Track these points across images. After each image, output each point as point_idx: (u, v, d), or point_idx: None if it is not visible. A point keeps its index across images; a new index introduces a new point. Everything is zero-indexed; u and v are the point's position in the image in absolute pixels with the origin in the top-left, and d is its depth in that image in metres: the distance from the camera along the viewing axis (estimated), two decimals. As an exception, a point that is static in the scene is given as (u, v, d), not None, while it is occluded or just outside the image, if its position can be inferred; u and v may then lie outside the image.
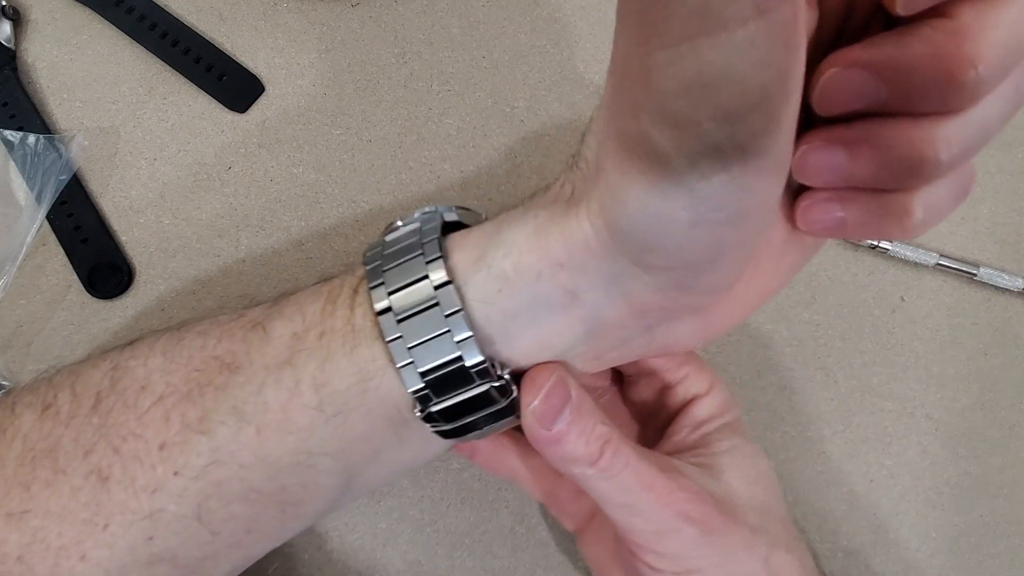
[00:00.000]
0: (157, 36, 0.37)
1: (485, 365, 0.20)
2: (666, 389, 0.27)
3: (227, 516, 0.21)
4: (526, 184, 0.36)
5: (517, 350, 0.20)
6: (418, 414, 0.21)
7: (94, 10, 0.37)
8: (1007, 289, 0.35)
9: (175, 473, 0.20)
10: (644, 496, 0.22)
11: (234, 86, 0.37)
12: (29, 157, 0.34)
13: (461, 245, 0.21)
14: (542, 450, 0.22)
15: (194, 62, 0.37)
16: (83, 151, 0.35)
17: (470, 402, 0.20)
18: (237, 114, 0.36)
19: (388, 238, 0.22)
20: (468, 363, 0.20)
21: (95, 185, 0.35)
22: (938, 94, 0.15)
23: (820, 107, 0.16)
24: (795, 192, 0.19)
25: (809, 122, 0.17)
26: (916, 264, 0.35)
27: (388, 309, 0.20)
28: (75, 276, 0.34)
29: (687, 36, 0.13)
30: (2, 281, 0.33)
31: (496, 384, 0.20)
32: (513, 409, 0.21)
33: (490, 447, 0.28)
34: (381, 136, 0.36)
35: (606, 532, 0.27)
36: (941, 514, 0.33)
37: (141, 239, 0.34)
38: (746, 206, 0.16)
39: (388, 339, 0.20)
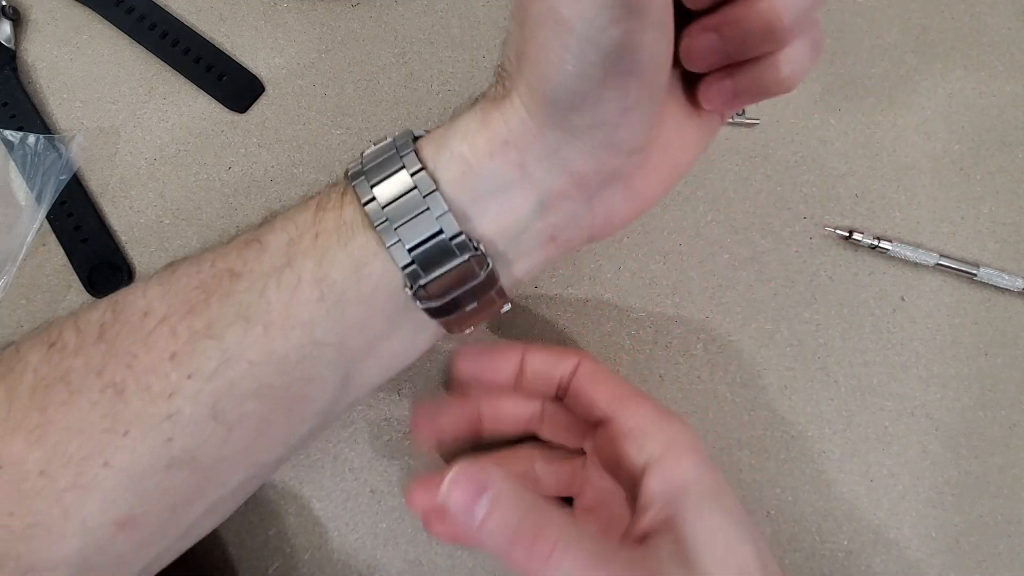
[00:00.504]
0: (157, 36, 0.37)
1: (463, 237, 0.22)
2: (617, 441, 0.26)
3: (240, 414, 0.22)
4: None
5: (486, 224, 0.23)
6: (408, 292, 0.23)
7: (94, 10, 0.37)
8: (1007, 289, 0.35)
9: (188, 377, 0.22)
10: None
11: (234, 86, 0.37)
12: (29, 157, 0.34)
13: (426, 141, 0.24)
14: (474, 541, 0.22)
15: (194, 62, 0.37)
16: (83, 151, 0.35)
17: (453, 274, 0.23)
18: (237, 114, 0.36)
19: (365, 152, 0.24)
20: (448, 235, 0.22)
21: (95, 185, 0.35)
22: None
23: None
24: (691, 85, 0.23)
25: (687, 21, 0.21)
26: (916, 264, 0.35)
27: (373, 199, 0.23)
28: (75, 276, 0.34)
29: None
30: (2, 281, 0.33)
31: (475, 255, 0.23)
32: (492, 283, 0.24)
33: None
34: (381, 136, 0.36)
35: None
36: (941, 514, 0.33)
37: (141, 239, 0.34)
38: (640, 58, 0.19)
39: (376, 224, 0.22)
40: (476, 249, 0.23)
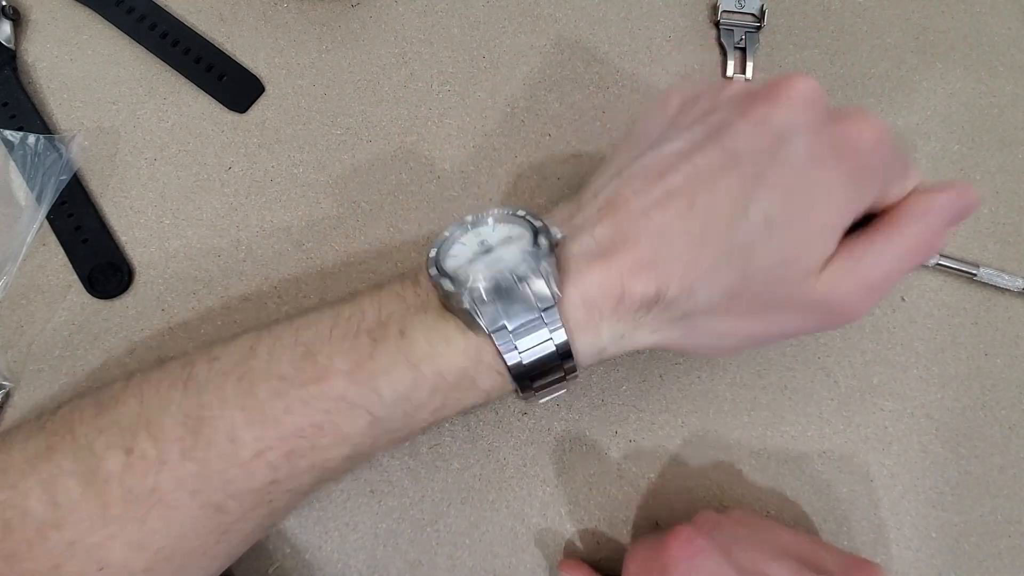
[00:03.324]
0: (157, 36, 0.37)
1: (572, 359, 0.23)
2: None
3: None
4: (526, 184, 0.36)
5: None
6: (519, 395, 0.24)
7: (94, 10, 0.37)
8: (1007, 289, 0.35)
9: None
10: None
11: (234, 86, 0.37)
12: (29, 157, 0.34)
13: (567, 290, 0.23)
14: None
15: (194, 62, 0.37)
16: (83, 151, 0.35)
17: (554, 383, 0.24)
18: (237, 114, 0.36)
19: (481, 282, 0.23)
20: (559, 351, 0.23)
21: (95, 185, 0.35)
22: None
23: None
24: None
25: None
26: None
27: (520, 363, 0.23)
28: (75, 276, 0.34)
29: None
30: (2, 281, 0.33)
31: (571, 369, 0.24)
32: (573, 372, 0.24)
33: None
34: (381, 136, 0.36)
35: None
36: (941, 514, 0.33)
37: (141, 239, 0.34)
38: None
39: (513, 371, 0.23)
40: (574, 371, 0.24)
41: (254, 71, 0.37)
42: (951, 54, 0.40)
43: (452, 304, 0.22)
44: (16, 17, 0.37)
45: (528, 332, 0.22)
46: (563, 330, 0.22)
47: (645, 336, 0.24)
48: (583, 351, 0.24)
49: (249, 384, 0.23)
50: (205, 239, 0.35)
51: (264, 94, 0.37)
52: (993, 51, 0.40)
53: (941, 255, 0.35)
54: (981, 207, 0.37)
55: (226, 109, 0.36)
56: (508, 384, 0.24)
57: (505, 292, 0.22)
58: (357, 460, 0.24)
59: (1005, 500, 0.33)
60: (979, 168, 0.38)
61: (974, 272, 0.35)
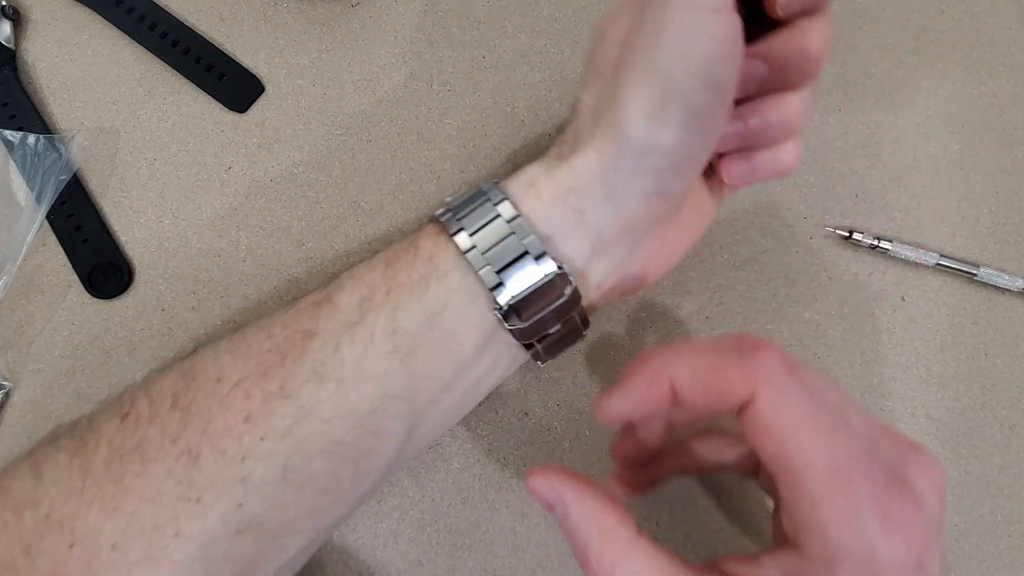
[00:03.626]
0: (157, 36, 0.37)
1: (547, 256, 0.24)
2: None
3: (310, 473, 0.23)
4: (526, 184, 0.36)
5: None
6: (498, 314, 0.24)
7: (94, 10, 0.37)
8: (1007, 289, 0.35)
9: (261, 438, 0.22)
10: None
11: (234, 86, 0.37)
12: (29, 157, 0.34)
13: (510, 187, 0.25)
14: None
15: (194, 62, 0.37)
16: (83, 151, 0.35)
17: (541, 290, 0.24)
18: (237, 114, 0.36)
19: (449, 202, 0.26)
20: (533, 253, 0.24)
21: (95, 185, 0.35)
22: (800, 74, 0.25)
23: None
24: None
25: None
26: (916, 264, 0.35)
27: (472, 245, 0.24)
28: (75, 276, 0.34)
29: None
30: (2, 281, 0.33)
31: (559, 272, 0.24)
32: (575, 302, 0.25)
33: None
34: (381, 136, 0.36)
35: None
36: (941, 514, 0.33)
37: (141, 239, 0.34)
38: (714, 123, 0.24)
39: (476, 266, 0.24)
40: (560, 268, 0.24)
41: (254, 71, 0.37)
42: (951, 54, 0.40)
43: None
44: (16, 17, 0.37)
45: (478, 214, 0.24)
46: (508, 203, 0.24)
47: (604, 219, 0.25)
48: (567, 252, 0.24)
49: (240, 334, 0.25)
50: (205, 239, 0.35)
51: (264, 94, 0.37)
52: (993, 51, 0.40)
53: (941, 255, 0.35)
54: (981, 207, 0.37)
55: (226, 109, 0.36)
56: (477, 315, 0.24)
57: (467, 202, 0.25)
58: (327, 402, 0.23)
59: (1005, 500, 0.33)
60: (979, 168, 0.38)
61: (974, 272, 0.35)
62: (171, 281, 0.34)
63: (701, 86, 0.22)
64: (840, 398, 0.22)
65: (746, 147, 0.27)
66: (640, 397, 0.23)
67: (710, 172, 0.29)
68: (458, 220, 0.24)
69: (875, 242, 0.35)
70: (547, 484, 0.23)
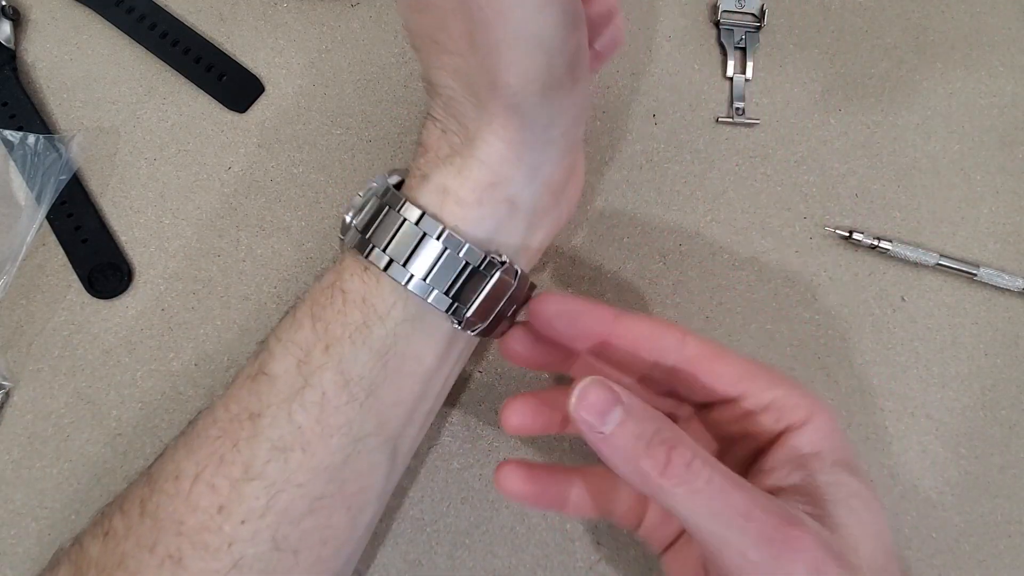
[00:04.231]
0: (157, 36, 0.37)
1: (488, 257, 0.23)
2: (749, 416, 0.24)
3: (302, 534, 0.23)
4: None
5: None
6: (458, 327, 0.24)
7: (94, 10, 0.37)
8: (1007, 289, 0.35)
9: (242, 522, 0.22)
10: (740, 526, 0.19)
11: (234, 86, 0.37)
12: (29, 157, 0.34)
13: (417, 194, 0.24)
14: (602, 455, 0.21)
15: (194, 62, 0.37)
16: (83, 151, 0.35)
17: (492, 292, 0.24)
18: (237, 114, 0.36)
19: (348, 229, 0.25)
20: (475, 264, 0.23)
21: (95, 185, 0.35)
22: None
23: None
24: None
25: None
26: (916, 264, 0.35)
27: (391, 262, 0.23)
28: (75, 276, 0.34)
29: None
30: (2, 281, 0.33)
31: (503, 267, 0.24)
32: (524, 284, 0.25)
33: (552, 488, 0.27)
34: (381, 136, 0.36)
35: (692, 552, 0.25)
36: (941, 514, 0.33)
37: (141, 239, 0.34)
38: (585, 58, 0.23)
39: (407, 285, 0.23)
40: (503, 260, 0.24)
41: (254, 71, 0.37)
42: (951, 54, 0.40)
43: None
44: (16, 17, 0.37)
45: (402, 239, 0.23)
46: (429, 218, 0.23)
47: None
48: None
49: (191, 425, 0.24)
50: (205, 239, 0.35)
51: (264, 94, 0.37)
52: (993, 51, 0.40)
53: (941, 255, 0.35)
54: (981, 207, 0.37)
55: (226, 109, 0.36)
56: (428, 342, 0.24)
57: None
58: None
59: (1005, 500, 0.33)
60: (979, 168, 0.38)
61: (974, 272, 0.35)
62: (171, 281, 0.34)
63: (569, 28, 0.21)
64: None
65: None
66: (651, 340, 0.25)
67: None
68: (384, 251, 0.23)
69: (875, 242, 0.35)
70: (604, 387, 0.21)
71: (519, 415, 0.26)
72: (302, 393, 0.23)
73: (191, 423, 0.25)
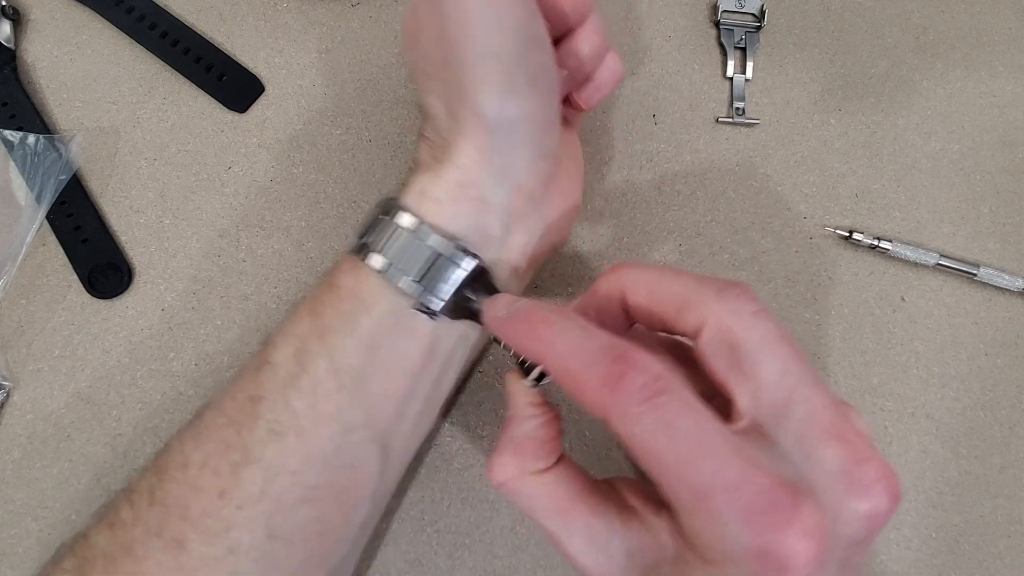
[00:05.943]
0: (157, 36, 0.37)
1: (458, 246, 0.25)
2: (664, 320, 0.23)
3: (295, 525, 0.24)
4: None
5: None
6: (434, 319, 0.25)
7: (94, 10, 0.37)
8: (1007, 289, 0.35)
9: (238, 507, 0.23)
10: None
11: (234, 86, 0.37)
12: (29, 157, 0.34)
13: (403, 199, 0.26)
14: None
15: (194, 62, 0.37)
16: (83, 151, 0.35)
17: (467, 283, 0.26)
18: (237, 114, 0.36)
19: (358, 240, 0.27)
20: (444, 251, 0.25)
21: (95, 185, 0.35)
22: (577, 11, 0.27)
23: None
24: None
25: None
26: (916, 264, 0.35)
27: (371, 254, 0.25)
28: (75, 276, 0.34)
29: None
30: (2, 281, 0.33)
31: (472, 256, 0.25)
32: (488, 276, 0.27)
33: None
34: (381, 136, 0.36)
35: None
36: (941, 514, 0.33)
37: (141, 239, 0.34)
38: (550, 76, 0.26)
39: (398, 283, 0.25)
40: (474, 254, 0.26)
41: (254, 71, 0.37)
42: (951, 54, 0.40)
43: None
44: (16, 17, 0.37)
45: (386, 237, 0.25)
46: (407, 215, 0.25)
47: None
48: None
49: (198, 418, 0.26)
50: (205, 239, 0.35)
51: (264, 94, 0.37)
52: (993, 51, 0.40)
53: (941, 255, 0.35)
54: (981, 207, 0.37)
55: (226, 109, 0.36)
56: (415, 338, 0.25)
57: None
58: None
59: (1005, 500, 0.33)
60: (979, 168, 0.38)
61: (974, 272, 0.35)
62: (171, 281, 0.34)
63: (526, 48, 0.24)
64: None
65: (581, 79, 0.29)
66: (596, 305, 0.24)
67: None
68: (370, 248, 0.26)
69: (875, 242, 0.35)
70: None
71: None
72: (298, 379, 0.24)
73: (198, 415, 0.26)
